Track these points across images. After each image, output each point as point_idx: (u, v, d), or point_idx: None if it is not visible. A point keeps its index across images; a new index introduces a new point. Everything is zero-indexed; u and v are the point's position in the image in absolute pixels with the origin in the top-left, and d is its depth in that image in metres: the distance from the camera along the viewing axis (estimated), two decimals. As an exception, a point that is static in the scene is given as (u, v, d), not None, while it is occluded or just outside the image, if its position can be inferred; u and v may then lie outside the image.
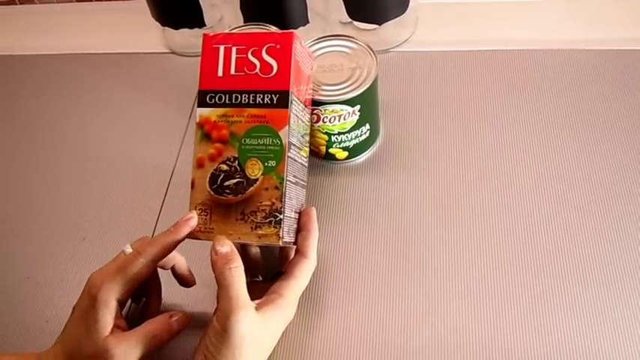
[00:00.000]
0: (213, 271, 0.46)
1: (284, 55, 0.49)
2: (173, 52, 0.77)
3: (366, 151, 0.63)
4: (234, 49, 0.50)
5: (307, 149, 0.54)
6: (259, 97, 0.49)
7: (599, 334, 0.49)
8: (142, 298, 0.53)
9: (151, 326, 0.47)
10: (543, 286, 0.52)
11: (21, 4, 0.88)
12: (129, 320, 0.48)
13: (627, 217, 0.55)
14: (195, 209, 0.49)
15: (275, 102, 0.49)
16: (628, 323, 0.49)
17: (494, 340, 0.50)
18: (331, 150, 0.61)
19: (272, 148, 0.48)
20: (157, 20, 0.74)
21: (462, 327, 0.51)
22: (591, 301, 0.51)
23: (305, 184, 0.54)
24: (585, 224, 0.55)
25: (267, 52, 0.49)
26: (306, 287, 0.51)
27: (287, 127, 0.48)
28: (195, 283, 0.53)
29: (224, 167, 0.49)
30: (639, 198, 0.56)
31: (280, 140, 0.48)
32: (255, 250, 0.54)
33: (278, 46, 0.49)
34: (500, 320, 0.51)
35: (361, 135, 0.60)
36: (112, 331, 0.45)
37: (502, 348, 0.49)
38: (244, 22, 0.69)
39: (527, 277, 0.53)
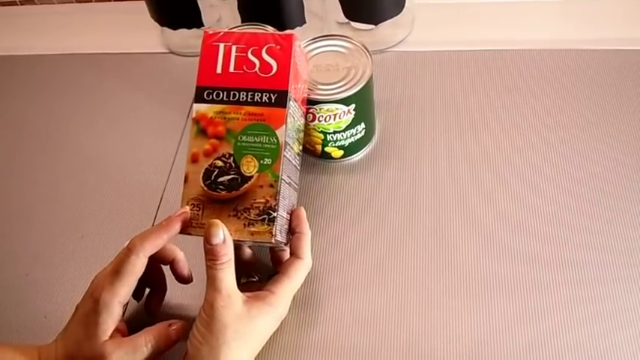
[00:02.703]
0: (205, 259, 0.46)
1: (284, 55, 0.50)
2: (172, 52, 0.78)
3: (362, 150, 0.63)
4: (234, 48, 0.50)
5: (300, 148, 0.55)
6: (257, 95, 0.49)
7: (593, 334, 0.50)
8: (143, 293, 0.53)
9: (150, 334, 0.47)
10: (538, 283, 0.52)
11: (21, 4, 0.89)
12: (129, 317, 0.48)
13: (624, 217, 0.56)
14: (188, 204, 0.49)
15: (273, 101, 0.49)
16: (621, 323, 0.50)
17: (487, 336, 0.50)
18: (327, 149, 0.61)
19: (268, 146, 0.49)
20: (155, 21, 0.75)
21: (456, 323, 0.51)
22: (586, 300, 0.51)
23: (297, 187, 0.55)
24: (582, 223, 0.56)
25: (268, 52, 0.50)
26: (301, 286, 0.51)
27: (284, 126, 0.49)
28: (192, 280, 0.54)
29: (219, 163, 0.49)
30: (635, 197, 0.57)
31: (277, 139, 0.49)
32: (248, 251, 0.54)
33: (278, 47, 0.50)
34: (494, 317, 0.51)
35: (356, 134, 0.60)
36: (111, 335, 0.45)
37: (495, 345, 0.50)
38: (242, 22, 0.70)
39: (521, 276, 0.53)
